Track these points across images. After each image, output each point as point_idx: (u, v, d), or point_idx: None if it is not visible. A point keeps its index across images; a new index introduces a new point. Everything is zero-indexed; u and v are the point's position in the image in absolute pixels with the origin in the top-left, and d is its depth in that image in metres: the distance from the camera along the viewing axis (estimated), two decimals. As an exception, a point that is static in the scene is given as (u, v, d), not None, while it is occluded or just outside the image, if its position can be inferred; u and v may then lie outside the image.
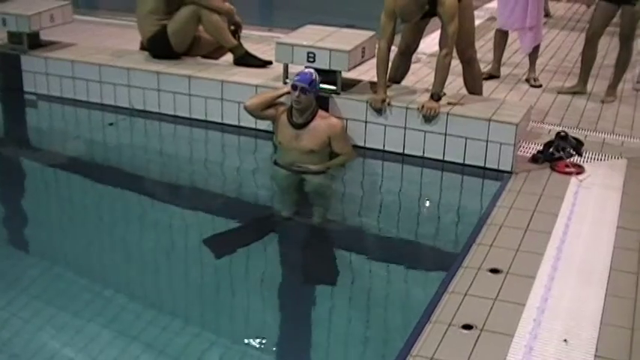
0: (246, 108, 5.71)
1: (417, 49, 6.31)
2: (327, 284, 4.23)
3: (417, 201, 5.38)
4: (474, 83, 6.23)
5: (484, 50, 8.17)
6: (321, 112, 5.56)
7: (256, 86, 6.05)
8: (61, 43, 7.24)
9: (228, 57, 6.85)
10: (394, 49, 5.92)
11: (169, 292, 4.26)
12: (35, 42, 7.05)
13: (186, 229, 4.97)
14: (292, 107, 5.49)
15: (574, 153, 5.50)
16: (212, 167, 6.03)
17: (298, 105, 5.41)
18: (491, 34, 8.20)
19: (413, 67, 6.58)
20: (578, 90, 7.20)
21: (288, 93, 5.52)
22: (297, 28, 6.40)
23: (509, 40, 7.89)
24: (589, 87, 7.39)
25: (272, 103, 5.66)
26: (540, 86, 7.47)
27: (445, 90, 5.70)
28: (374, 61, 5.79)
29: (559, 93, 7.20)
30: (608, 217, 4.69)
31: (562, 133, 5.58)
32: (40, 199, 5.40)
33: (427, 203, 5.35)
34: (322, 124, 5.49)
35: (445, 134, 5.53)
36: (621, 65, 7.02)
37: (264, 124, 5.94)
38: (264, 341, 3.73)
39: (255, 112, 5.70)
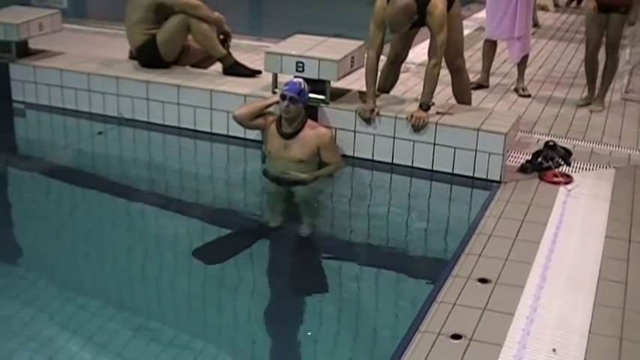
0: (235, 117, 5.70)
1: (406, 59, 6.33)
2: (316, 294, 4.22)
3: (405, 210, 5.37)
4: (462, 93, 6.25)
5: (473, 60, 8.20)
6: (310, 122, 5.55)
7: (245, 96, 6.05)
8: (50, 51, 7.22)
9: (217, 66, 6.84)
10: (383, 58, 5.93)
11: (158, 302, 4.24)
12: (24, 50, 7.02)
13: (175, 238, 4.95)
14: (281, 117, 5.49)
15: (562, 162, 5.52)
16: (201, 177, 6.02)
17: (287, 114, 5.41)
18: (480, 43, 8.22)
19: (402, 76, 6.59)
20: (591, 101, 7.20)
21: (277, 102, 5.51)
22: (286, 37, 6.40)
23: (498, 50, 7.92)
24: (576, 96, 7.44)
25: (261, 113, 5.65)
26: (529, 96, 7.49)
27: (434, 100, 5.70)
28: (363, 70, 5.80)
29: (578, 106, 7.18)
30: (597, 227, 4.70)
31: (550, 143, 5.60)
32: (28, 208, 5.37)
33: (416, 213, 5.35)
34: (311, 133, 5.48)
35: (434, 144, 5.54)
36: (609, 75, 7.05)
37: (254, 134, 5.94)
38: (252, 351, 3.72)
39: (244, 122, 5.69)
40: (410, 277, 4.52)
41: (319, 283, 4.31)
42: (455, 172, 5.53)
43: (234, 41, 7.12)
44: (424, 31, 5.74)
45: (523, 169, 5.50)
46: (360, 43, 6.08)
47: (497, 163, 5.37)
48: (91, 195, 5.52)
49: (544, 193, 5.18)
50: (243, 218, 5.22)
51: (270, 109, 5.66)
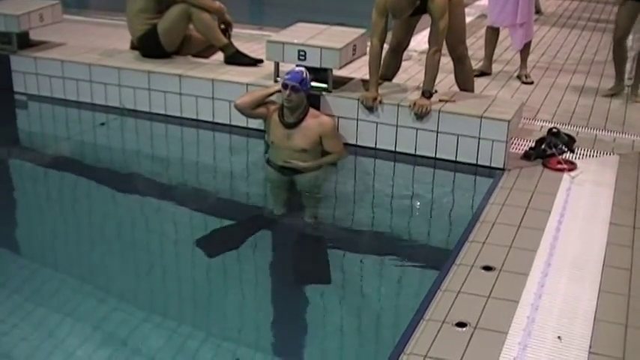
0: (236, 106, 5.68)
1: (408, 47, 6.31)
2: (320, 283, 4.22)
3: (409, 199, 5.36)
4: (465, 80, 6.23)
5: (475, 47, 8.17)
6: (312, 111, 5.53)
7: (247, 85, 6.04)
8: (51, 42, 7.20)
9: (219, 56, 6.83)
10: (385, 46, 5.91)
11: (161, 292, 4.24)
12: (25, 42, 7.01)
13: (178, 228, 4.95)
14: (283, 106, 5.47)
15: (566, 149, 5.50)
16: (203, 166, 6.01)
17: (289, 104, 5.39)
18: (483, 31, 8.19)
19: (404, 64, 6.57)
20: (620, 90, 7.14)
21: (279, 91, 5.50)
22: (288, 26, 6.38)
23: (501, 37, 7.89)
24: (579, 83, 7.41)
25: (263, 102, 5.63)
26: (532, 83, 7.47)
27: (437, 87, 5.69)
28: (365, 58, 5.79)
29: (603, 96, 7.10)
30: (601, 214, 4.69)
31: (554, 130, 5.59)
32: (30, 200, 5.37)
33: (419, 201, 5.34)
34: (313, 122, 5.46)
35: (437, 132, 5.52)
36: None
37: (256, 123, 5.92)
38: (256, 340, 3.72)
39: (246, 111, 5.67)
40: (414, 266, 4.52)
41: (323, 271, 4.31)
42: (458, 159, 5.51)
43: (236, 30, 7.09)
44: (427, 18, 5.72)
45: (526, 156, 5.49)
46: (362, 31, 6.07)
47: (500, 151, 5.36)
48: (94, 186, 5.52)
49: (548, 180, 5.17)
50: (246, 208, 5.22)
51: (272, 98, 5.64)
